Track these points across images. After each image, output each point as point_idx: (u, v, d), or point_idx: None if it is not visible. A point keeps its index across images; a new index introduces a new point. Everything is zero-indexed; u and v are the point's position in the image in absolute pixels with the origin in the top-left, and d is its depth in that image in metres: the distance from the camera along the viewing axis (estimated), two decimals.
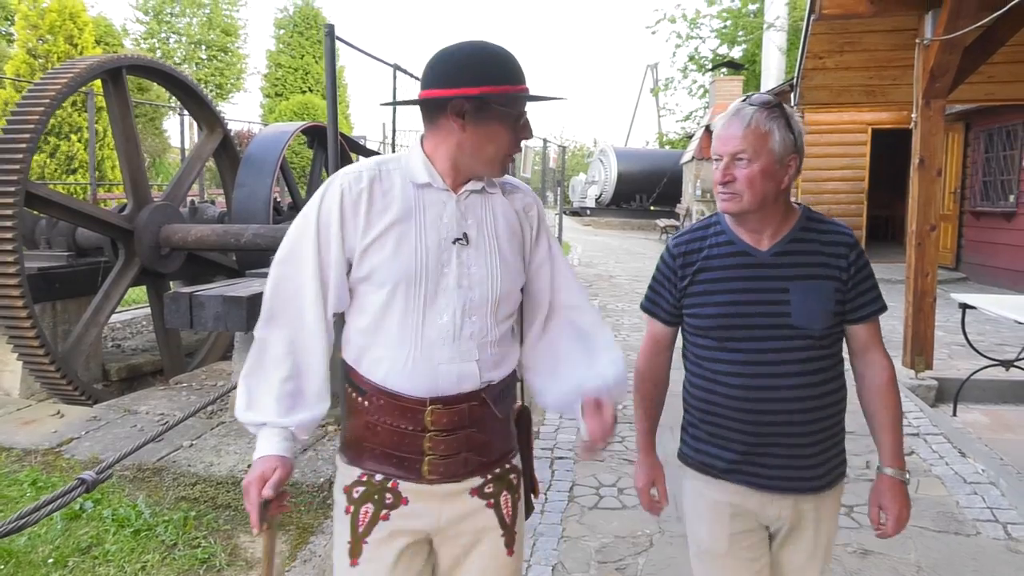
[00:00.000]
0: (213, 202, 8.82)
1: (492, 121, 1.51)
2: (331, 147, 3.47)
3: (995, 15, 4.65)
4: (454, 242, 1.54)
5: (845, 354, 1.88)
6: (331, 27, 3.37)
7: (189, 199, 6.97)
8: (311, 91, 24.98)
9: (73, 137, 11.88)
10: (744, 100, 1.77)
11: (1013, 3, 4.33)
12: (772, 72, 19.62)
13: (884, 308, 1.83)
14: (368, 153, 7.74)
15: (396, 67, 3.84)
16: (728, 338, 1.80)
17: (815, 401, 1.77)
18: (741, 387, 1.78)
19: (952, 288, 9.43)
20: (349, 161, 6.68)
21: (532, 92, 1.56)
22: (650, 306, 1.99)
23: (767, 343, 1.77)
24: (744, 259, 1.81)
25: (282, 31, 27.75)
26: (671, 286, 1.90)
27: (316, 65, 25.93)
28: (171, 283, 6.29)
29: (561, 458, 4.94)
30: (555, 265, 1.74)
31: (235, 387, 3.77)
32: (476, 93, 1.47)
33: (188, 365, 6.28)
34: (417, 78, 4.81)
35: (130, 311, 8.25)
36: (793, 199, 1.88)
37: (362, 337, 1.57)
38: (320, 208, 1.54)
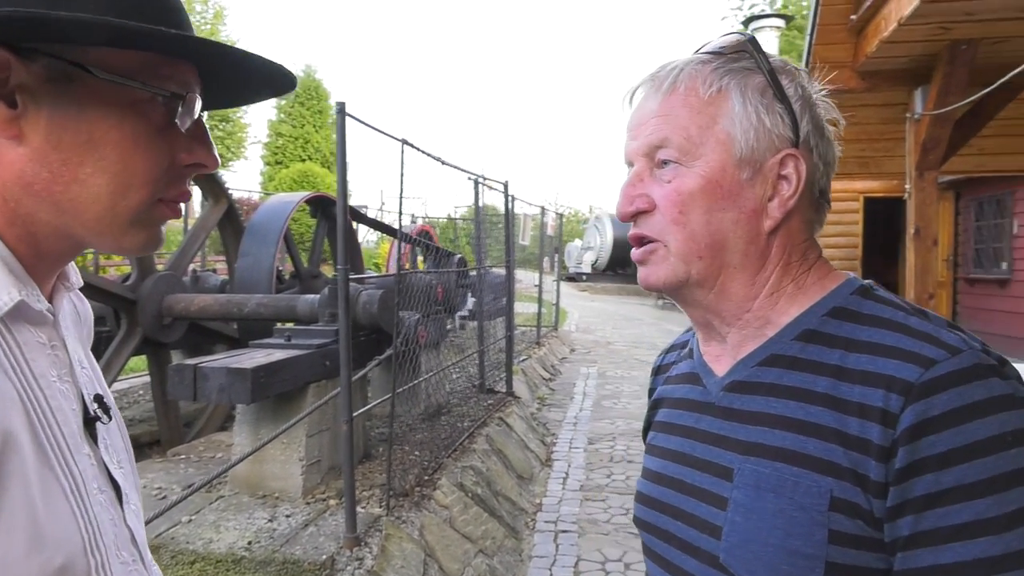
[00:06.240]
0: (214, 270, 8.86)
1: (97, 106, 0.65)
2: (340, 222, 3.51)
3: (984, 92, 4.80)
4: (87, 423, 0.73)
5: None
6: (342, 105, 3.45)
7: (191, 268, 7.00)
8: (310, 159, 25.42)
9: None
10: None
11: (1002, 81, 4.48)
12: None
13: None
14: (369, 222, 7.81)
15: (404, 142, 3.93)
16: (646, 547, 0.95)
17: None
18: None
19: None
20: (351, 231, 6.74)
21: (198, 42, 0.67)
22: None
23: None
24: (691, 391, 0.93)
25: (283, 101, 28.41)
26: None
27: (316, 134, 26.44)
28: (171, 352, 6.26)
29: (565, 532, 4.86)
30: None
31: (237, 462, 3.71)
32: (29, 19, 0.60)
33: (186, 436, 6.20)
34: (428, 153, 4.90)
35: (127, 380, 8.18)
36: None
37: None
38: None
